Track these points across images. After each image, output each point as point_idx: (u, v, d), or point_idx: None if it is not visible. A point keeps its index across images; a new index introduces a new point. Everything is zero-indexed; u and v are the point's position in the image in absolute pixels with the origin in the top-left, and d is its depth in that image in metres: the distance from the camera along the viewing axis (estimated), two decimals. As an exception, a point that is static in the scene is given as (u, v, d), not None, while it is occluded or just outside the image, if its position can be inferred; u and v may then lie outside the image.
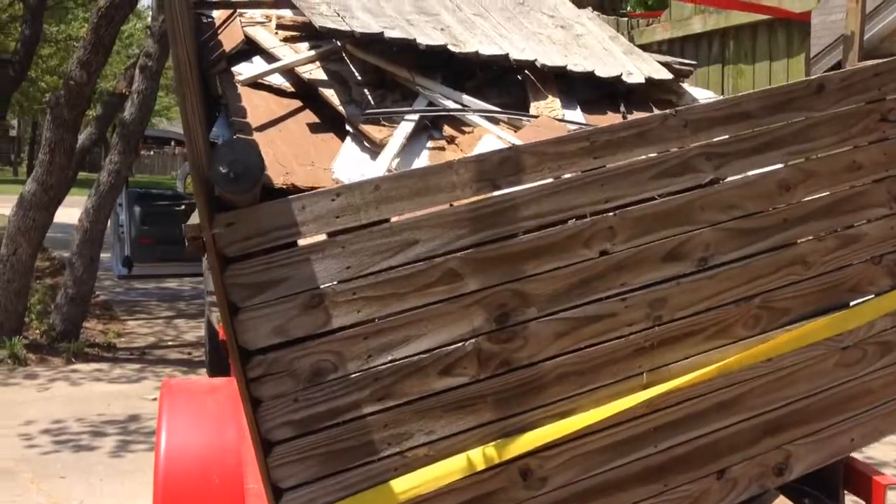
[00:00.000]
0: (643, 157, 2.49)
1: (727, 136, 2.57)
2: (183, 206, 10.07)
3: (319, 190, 2.41)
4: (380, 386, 2.29)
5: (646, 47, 3.98)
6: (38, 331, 9.11)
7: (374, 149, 3.07)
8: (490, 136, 2.97)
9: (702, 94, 3.64)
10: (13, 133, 44.76)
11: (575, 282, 2.41)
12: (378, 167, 2.89)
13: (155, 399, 5.42)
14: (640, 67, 3.55)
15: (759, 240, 2.58)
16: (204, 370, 7.45)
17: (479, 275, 2.33)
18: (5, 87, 13.63)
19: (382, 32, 3.18)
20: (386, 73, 3.36)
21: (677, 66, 3.71)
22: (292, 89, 3.52)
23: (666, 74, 3.52)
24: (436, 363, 2.32)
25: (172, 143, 14.56)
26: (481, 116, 3.16)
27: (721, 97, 2.77)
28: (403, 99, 3.29)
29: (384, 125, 3.13)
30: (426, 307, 2.31)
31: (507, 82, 3.53)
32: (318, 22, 3.13)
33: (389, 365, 2.29)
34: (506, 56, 3.33)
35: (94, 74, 7.94)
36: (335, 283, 2.28)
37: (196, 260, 9.36)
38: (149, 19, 18.94)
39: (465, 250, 2.32)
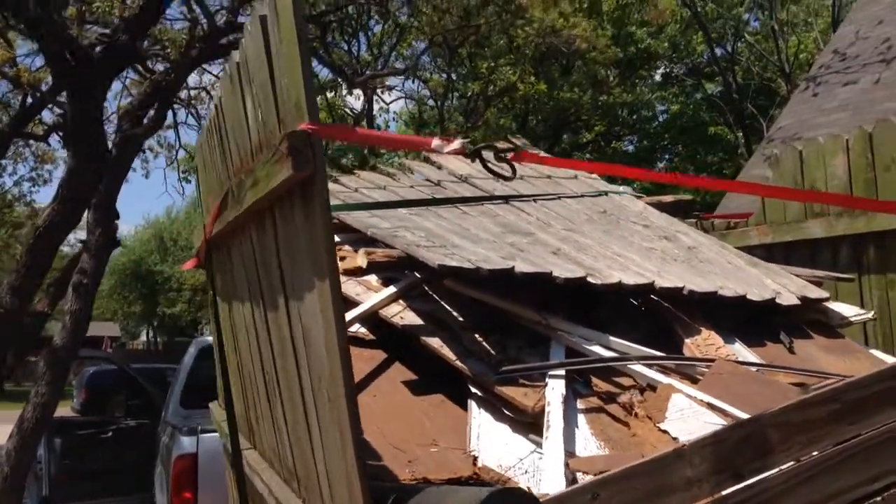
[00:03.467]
0: None
1: None
2: (110, 434, 8.95)
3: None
4: None
5: (736, 253, 3.47)
6: None
7: (520, 418, 2.31)
8: (680, 396, 2.26)
9: (849, 311, 3.09)
10: None
11: None
12: (551, 450, 2.11)
13: None
14: (783, 284, 2.98)
15: None
16: None
17: None
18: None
19: (513, 267, 2.49)
20: (503, 313, 2.65)
21: (815, 279, 3.16)
22: (370, 335, 2.77)
23: (819, 293, 2.96)
24: None
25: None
26: (644, 364, 2.46)
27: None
28: (531, 346, 2.57)
29: (523, 383, 2.39)
30: None
31: (635, 312, 2.88)
32: (433, 259, 2.41)
33: None
34: (651, 284, 2.69)
35: (27, 300, 6.88)
36: None
37: (122, 493, 8.41)
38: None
39: None
